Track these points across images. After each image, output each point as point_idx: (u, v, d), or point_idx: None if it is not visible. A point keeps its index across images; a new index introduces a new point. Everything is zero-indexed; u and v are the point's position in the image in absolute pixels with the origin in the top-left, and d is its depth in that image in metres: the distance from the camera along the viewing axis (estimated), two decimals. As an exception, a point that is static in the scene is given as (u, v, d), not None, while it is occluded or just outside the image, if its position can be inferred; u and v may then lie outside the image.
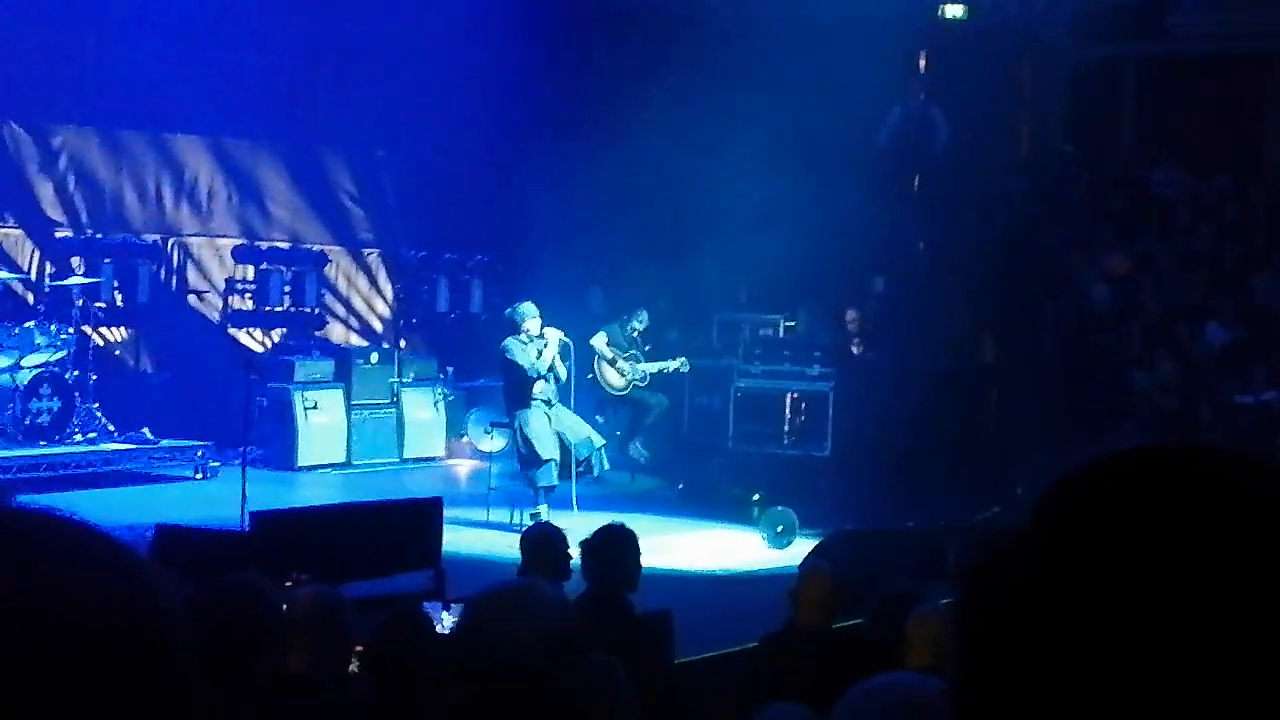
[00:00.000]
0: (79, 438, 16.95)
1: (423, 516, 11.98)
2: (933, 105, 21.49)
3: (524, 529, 10.24)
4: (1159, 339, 19.43)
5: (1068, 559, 1.11)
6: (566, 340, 15.90)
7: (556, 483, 15.50)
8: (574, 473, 15.68)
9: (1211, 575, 1.07)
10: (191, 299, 21.06)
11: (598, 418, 18.47)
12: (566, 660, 3.15)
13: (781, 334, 19.58)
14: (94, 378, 17.42)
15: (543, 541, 8.62)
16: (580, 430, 15.89)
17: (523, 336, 15.53)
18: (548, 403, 15.64)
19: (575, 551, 8.42)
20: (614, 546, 8.15)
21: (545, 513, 15.02)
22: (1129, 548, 1.10)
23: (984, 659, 1.15)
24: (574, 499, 15.63)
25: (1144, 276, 20.56)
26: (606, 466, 16.41)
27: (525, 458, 15.55)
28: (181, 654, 1.25)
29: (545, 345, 15.54)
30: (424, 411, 19.78)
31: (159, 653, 1.23)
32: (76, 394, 17.00)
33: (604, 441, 16.32)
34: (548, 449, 15.41)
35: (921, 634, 6.67)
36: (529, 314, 15.64)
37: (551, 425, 15.57)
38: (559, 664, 3.11)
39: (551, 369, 15.62)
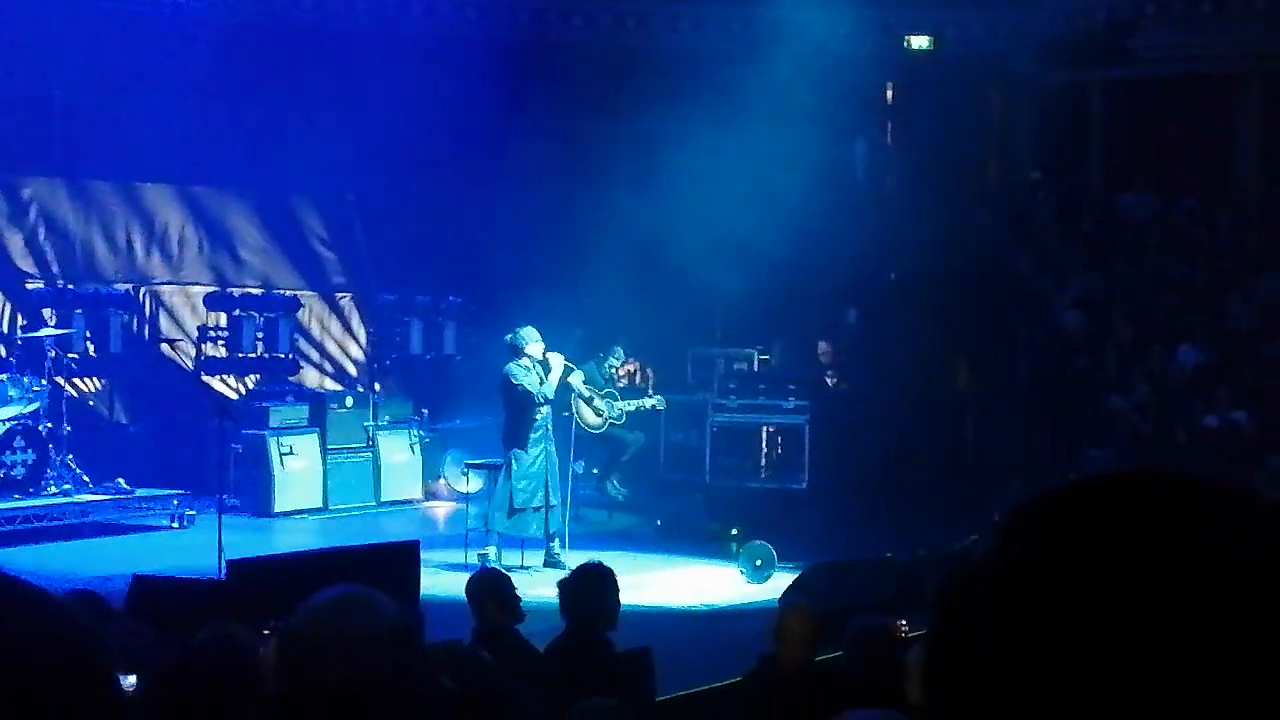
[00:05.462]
0: (54, 490, 16.85)
1: (400, 560, 11.95)
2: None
3: (470, 574, 9.67)
4: (1133, 362, 19.48)
5: (1028, 586, 1.11)
6: (570, 365, 15.69)
7: (504, 533, 15.20)
8: (565, 516, 15.58)
9: (1168, 603, 1.07)
10: (164, 347, 20.99)
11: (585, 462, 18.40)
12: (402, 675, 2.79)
13: (756, 368, 19.60)
14: (68, 429, 17.33)
15: (487, 588, 8.57)
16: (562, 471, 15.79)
17: (524, 361, 15.04)
18: (548, 435, 15.29)
19: (543, 592, 8.34)
20: (591, 585, 8.13)
21: (494, 554, 14.97)
22: (1085, 574, 1.10)
23: (951, 688, 1.15)
24: (566, 539, 15.57)
25: (1115, 300, 20.62)
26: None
27: (498, 499, 15.34)
28: (106, 686, 1.27)
29: (550, 370, 15.12)
30: (400, 454, 19.72)
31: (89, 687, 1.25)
32: (50, 446, 16.92)
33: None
34: (522, 499, 15.11)
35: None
36: (531, 338, 15.08)
37: (545, 472, 15.20)
38: (395, 678, 2.76)
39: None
